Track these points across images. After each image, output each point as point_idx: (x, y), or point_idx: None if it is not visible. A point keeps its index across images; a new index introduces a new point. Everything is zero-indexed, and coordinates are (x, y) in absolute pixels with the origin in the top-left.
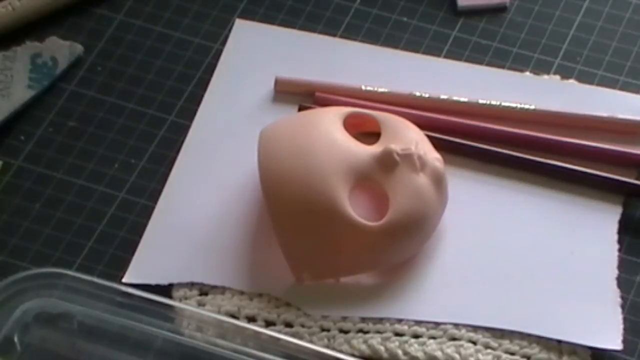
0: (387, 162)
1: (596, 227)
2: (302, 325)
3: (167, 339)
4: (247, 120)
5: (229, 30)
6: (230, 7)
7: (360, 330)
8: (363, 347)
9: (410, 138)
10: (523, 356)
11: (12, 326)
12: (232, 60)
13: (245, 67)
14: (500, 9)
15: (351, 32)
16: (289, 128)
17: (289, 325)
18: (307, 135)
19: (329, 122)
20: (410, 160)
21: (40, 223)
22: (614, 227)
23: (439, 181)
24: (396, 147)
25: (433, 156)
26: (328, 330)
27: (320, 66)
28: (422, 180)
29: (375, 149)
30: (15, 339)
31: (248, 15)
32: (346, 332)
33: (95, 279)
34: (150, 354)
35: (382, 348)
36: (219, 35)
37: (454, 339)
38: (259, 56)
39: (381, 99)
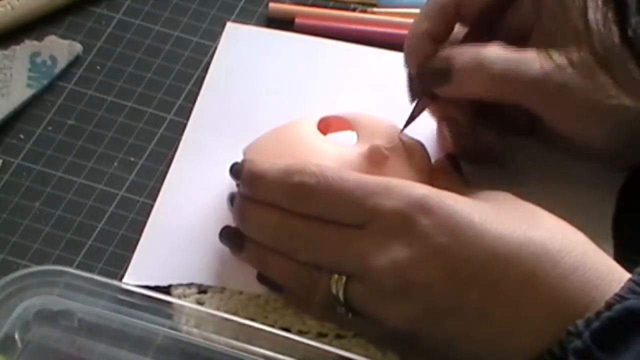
0: (377, 158)
1: None
2: (300, 331)
3: (168, 336)
4: (241, 121)
5: None
6: (228, 7)
7: (357, 335)
8: (360, 351)
9: (389, 130)
10: None
11: (12, 324)
12: (224, 64)
13: (237, 71)
14: None
15: None
16: (273, 148)
17: (286, 330)
18: (293, 150)
19: (308, 132)
20: (398, 151)
21: (40, 221)
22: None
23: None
24: (381, 142)
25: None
26: (325, 336)
27: (311, 68)
28: (416, 163)
29: (359, 148)
30: (16, 337)
31: (246, 14)
32: (343, 337)
33: (96, 277)
34: (151, 351)
35: (378, 353)
36: (218, 35)
37: None
38: (250, 59)
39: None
